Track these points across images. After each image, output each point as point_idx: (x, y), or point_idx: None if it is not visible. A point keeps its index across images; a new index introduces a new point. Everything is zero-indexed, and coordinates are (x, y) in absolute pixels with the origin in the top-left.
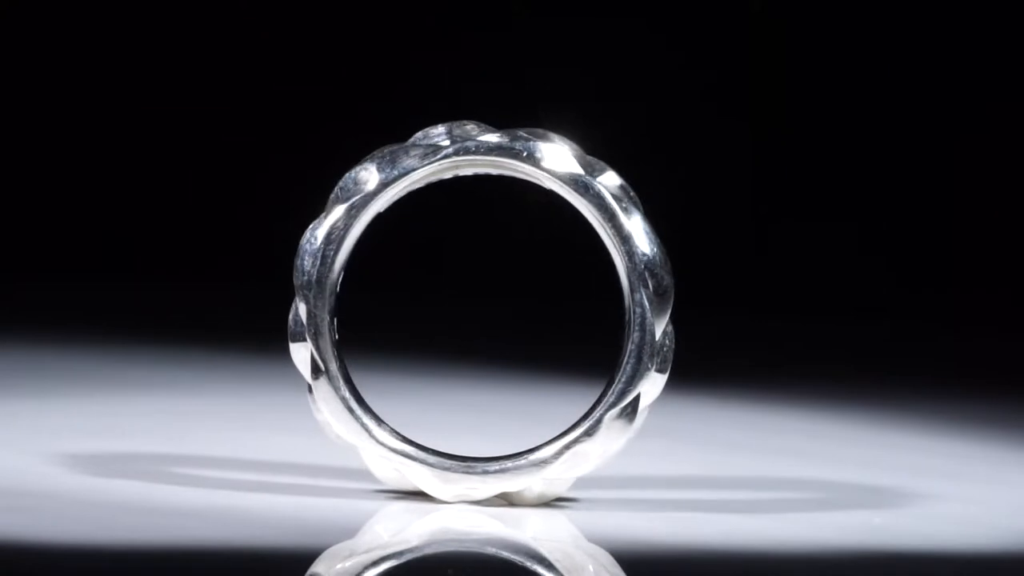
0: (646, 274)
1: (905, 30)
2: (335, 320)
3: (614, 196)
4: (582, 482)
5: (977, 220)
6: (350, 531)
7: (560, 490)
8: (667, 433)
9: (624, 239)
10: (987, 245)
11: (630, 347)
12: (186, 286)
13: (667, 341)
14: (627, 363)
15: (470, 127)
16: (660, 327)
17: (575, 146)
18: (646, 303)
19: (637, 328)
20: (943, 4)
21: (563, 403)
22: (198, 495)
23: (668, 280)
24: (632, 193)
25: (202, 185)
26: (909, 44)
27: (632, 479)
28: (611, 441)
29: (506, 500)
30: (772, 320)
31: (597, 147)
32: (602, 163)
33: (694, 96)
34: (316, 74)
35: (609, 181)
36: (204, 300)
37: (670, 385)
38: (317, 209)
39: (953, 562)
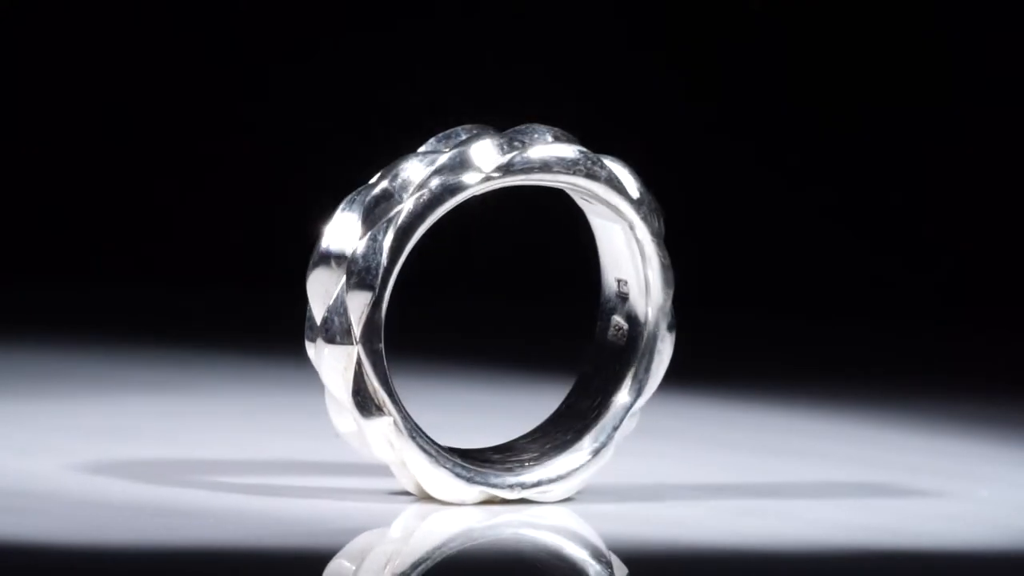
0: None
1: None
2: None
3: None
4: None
5: (977, 220)
6: (353, 532)
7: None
8: (670, 433)
9: None
10: (987, 244)
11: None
12: (186, 287)
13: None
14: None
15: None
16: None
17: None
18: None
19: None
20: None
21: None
22: (198, 496)
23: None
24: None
25: (203, 185)
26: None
27: (634, 480)
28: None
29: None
30: (774, 320)
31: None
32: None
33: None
34: (315, 77)
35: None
36: (204, 300)
37: (671, 384)
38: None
39: (953, 561)
